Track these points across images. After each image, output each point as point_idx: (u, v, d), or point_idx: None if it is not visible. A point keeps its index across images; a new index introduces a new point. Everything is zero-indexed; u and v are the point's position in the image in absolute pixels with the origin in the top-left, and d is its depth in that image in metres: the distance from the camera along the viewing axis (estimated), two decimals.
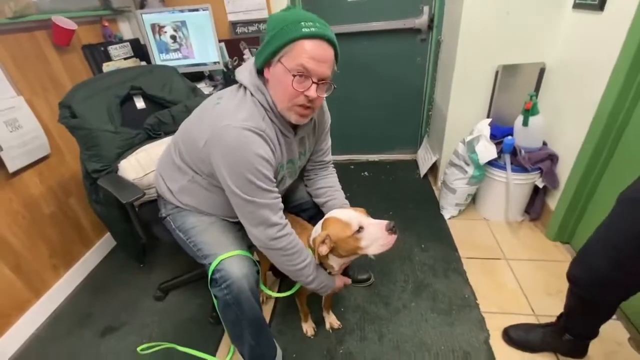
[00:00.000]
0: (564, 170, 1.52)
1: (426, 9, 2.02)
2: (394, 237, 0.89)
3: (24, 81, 1.43)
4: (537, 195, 1.71)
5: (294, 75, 0.79)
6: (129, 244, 1.50)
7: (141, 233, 1.20)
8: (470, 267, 1.53)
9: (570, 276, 0.93)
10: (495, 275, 1.48)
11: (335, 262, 1.01)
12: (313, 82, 0.81)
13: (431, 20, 2.05)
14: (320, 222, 0.99)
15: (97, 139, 1.18)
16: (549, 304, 1.31)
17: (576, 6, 1.41)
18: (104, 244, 1.85)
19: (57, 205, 1.57)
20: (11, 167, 1.34)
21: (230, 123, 0.81)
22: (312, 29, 0.77)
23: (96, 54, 1.77)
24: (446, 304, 1.36)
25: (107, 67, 1.78)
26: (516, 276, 1.46)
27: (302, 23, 0.77)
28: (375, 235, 0.90)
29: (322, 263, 1.02)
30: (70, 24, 1.53)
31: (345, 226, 0.91)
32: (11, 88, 1.36)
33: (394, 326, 1.29)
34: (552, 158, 1.58)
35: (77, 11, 1.67)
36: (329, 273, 1.04)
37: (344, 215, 0.94)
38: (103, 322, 1.44)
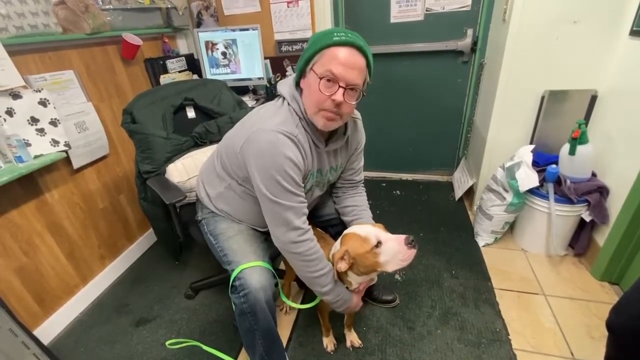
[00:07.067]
0: (615, 204, 1.41)
1: (470, 31, 2.01)
2: (413, 251, 0.88)
3: (94, 89, 1.62)
4: (583, 229, 1.59)
5: (321, 78, 0.83)
6: (168, 241, 1.61)
7: (179, 232, 1.29)
8: (504, 300, 1.45)
9: (609, 324, 0.85)
10: (530, 311, 1.39)
11: (354, 279, 1.01)
12: (340, 87, 0.83)
13: (474, 43, 2.03)
14: (340, 238, 1.00)
15: (151, 143, 1.30)
16: (590, 348, 1.21)
17: (633, 33, 1.34)
18: (145, 240, 1.99)
19: (109, 200, 1.73)
20: (76, 163, 1.51)
21: (265, 126, 0.87)
22: (342, 38, 0.81)
23: (155, 67, 1.95)
24: (474, 336, 1.30)
25: (163, 78, 1.95)
26: (555, 314, 1.36)
27: (335, 33, 0.82)
28: (394, 250, 0.89)
29: (341, 280, 1.02)
30: (137, 40, 1.72)
31: (363, 241, 0.91)
32: (83, 95, 1.54)
33: (417, 352, 1.25)
34: (602, 190, 1.47)
35: (143, 29, 1.86)
36: (347, 289, 1.04)
37: (362, 231, 0.93)
38: (138, 313, 1.54)
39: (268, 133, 0.86)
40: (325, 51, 0.82)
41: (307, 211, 0.95)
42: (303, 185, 0.96)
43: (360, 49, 0.83)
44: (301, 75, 0.90)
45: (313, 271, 0.95)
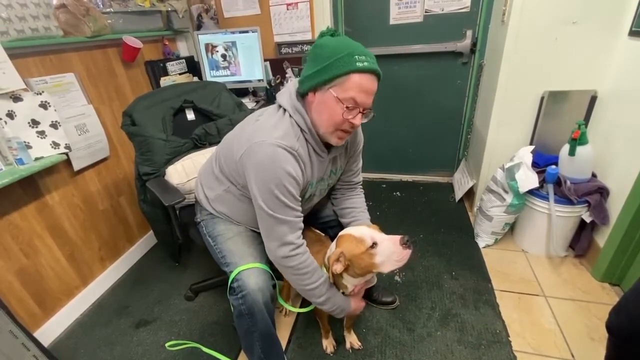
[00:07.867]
0: (616, 205, 1.41)
1: (469, 33, 2.01)
2: (408, 251, 0.88)
3: (95, 91, 1.62)
4: (583, 230, 1.58)
5: (347, 107, 0.84)
6: (167, 243, 1.62)
7: (179, 234, 1.29)
8: (504, 301, 1.44)
9: (609, 325, 0.85)
10: (531, 312, 1.38)
11: (350, 282, 1.00)
12: (360, 112, 0.86)
13: (474, 44, 2.03)
14: (335, 239, 0.99)
15: (150, 145, 1.30)
16: (591, 349, 1.20)
17: (632, 34, 1.33)
18: (146, 242, 1.99)
19: (110, 202, 1.74)
20: (76, 166, 1.51)
21: (265, 139, 0.86)
22: (365, 64, 0.81)
23: (156, 69, 1.96)
24: (475, 338, 1.29)
25: (164, 81, 1.96)
26: (555, 316, 1.36)
27: (356, 57, 0.81)
28: (389, 250, 0.88)
29: (336, 283, 1.01)
30: (137, 43, 1.73)
31: (359, 242, 0.91)
32: (84, 97, 1.55)
33: (417, 354, 1.25)
34: (602, 191, 1.47)
35: (143, 31, 1.87)
36: (343, 293, 1.03)
37: (357, 232, 0.93)
38: (138, 314, 1.54)
39: (268, 147, 0.85)
40: (348, 77, 0.81)
41: (302, 226, 0.95)
42: (302, 195, 0.96)
43: (377, 75, 0.85)
44: (312, 89, 0.88)
45: (306, 284, 0.95)
